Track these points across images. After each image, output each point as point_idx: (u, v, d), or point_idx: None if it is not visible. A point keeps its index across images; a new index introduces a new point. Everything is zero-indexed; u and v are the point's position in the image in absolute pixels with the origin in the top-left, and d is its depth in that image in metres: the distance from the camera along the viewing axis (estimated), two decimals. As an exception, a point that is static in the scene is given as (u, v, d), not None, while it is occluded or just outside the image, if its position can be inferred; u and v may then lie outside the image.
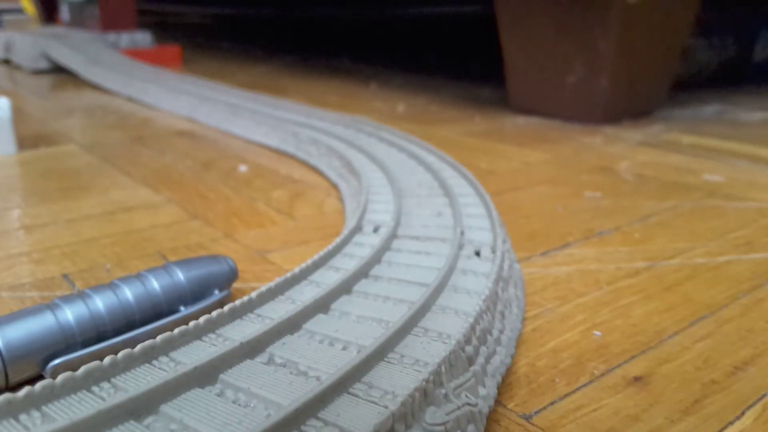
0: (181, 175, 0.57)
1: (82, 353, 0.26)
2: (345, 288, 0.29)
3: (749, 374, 0.27)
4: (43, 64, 1.27)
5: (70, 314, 0.26)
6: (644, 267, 0.38)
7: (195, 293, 0.30)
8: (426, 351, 0.24)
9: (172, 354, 0.23)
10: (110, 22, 1.44)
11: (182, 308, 0.29)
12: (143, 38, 1.45)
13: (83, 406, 0.20)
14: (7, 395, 0.19)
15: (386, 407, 0.20)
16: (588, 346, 0.29)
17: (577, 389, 0.26)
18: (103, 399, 0.20)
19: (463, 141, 0.73)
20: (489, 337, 0.26)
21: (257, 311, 0.27)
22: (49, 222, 0.44)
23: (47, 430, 0.18)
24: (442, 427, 0.21)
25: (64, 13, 1.62)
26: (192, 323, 0.24)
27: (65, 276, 0.36)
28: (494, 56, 1.00)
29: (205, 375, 0.22)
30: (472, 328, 0.25)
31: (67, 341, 0.26)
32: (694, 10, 0.84)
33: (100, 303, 0.27)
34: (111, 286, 0.28)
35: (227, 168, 0.59)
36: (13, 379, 0.25)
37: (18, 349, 0.24)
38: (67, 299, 0.27)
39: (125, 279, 0.29)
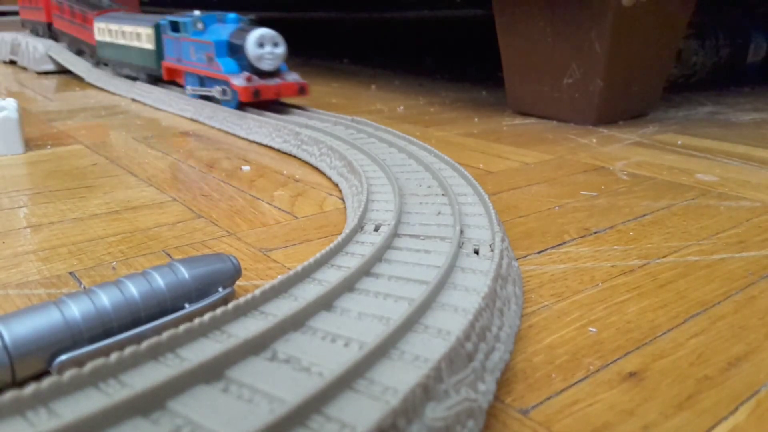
0: (185, 175, 0.57)
1: (89, 349, 0.26)
2: (347, 285, 0.29)
3: (742, 370, 0.28)
4: (49, 66, 1.28)
5: (76, 311, 0.26)
6: (639, 265, 0.39)
7: (199, 291, 0.30)
8: (426, 347, 0.24)
9: (178, 350, 0.23)
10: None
11: (187, 305, 0.29)
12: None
13: (90, 402, 0.20)
14: (14, 391, 0.19)
15: (388, 402, 0.20)
16: (583, 343, 0.30)
17: (573, 384, 0.26)
18: (110, 395, 0.20)
19: (461, 142, 0.73)
20: (488, 333, 0.26)
21: (261, 308, 0.27)
22: (56, 221, 0.45)
23: (54, 426, 0.18)
24: (442, 422, 0.21)
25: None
26: (197, 320, 0.24)
27: (72, 273, 0.36)
28: (492, 59, 1.00)
29: (210, 371, 0.22)
30: (472, 324, 0.25)
31: (73, 337, 0.26)
32: (688, 12, 0.85)
33: (106, 300, 0.27)
34: (117, 283, 0.28)
35: (230, 168, 0.60)
36: (20, 375, 0.25)
37: (25, 346, 0.24)
38: (74, 296, 0.27)
39: (131, 276, 0.29)
